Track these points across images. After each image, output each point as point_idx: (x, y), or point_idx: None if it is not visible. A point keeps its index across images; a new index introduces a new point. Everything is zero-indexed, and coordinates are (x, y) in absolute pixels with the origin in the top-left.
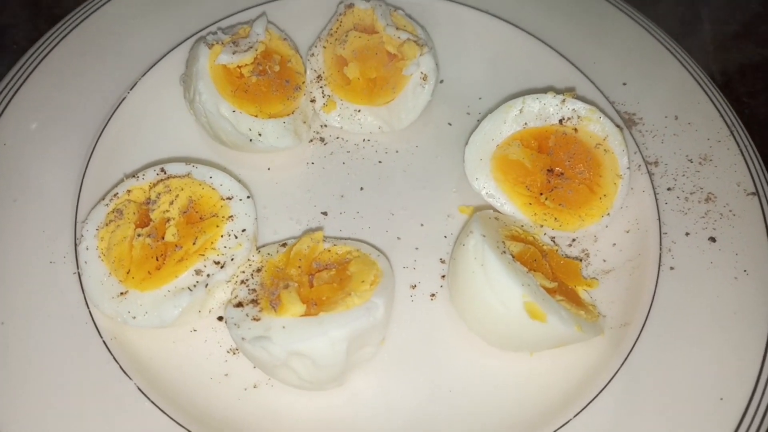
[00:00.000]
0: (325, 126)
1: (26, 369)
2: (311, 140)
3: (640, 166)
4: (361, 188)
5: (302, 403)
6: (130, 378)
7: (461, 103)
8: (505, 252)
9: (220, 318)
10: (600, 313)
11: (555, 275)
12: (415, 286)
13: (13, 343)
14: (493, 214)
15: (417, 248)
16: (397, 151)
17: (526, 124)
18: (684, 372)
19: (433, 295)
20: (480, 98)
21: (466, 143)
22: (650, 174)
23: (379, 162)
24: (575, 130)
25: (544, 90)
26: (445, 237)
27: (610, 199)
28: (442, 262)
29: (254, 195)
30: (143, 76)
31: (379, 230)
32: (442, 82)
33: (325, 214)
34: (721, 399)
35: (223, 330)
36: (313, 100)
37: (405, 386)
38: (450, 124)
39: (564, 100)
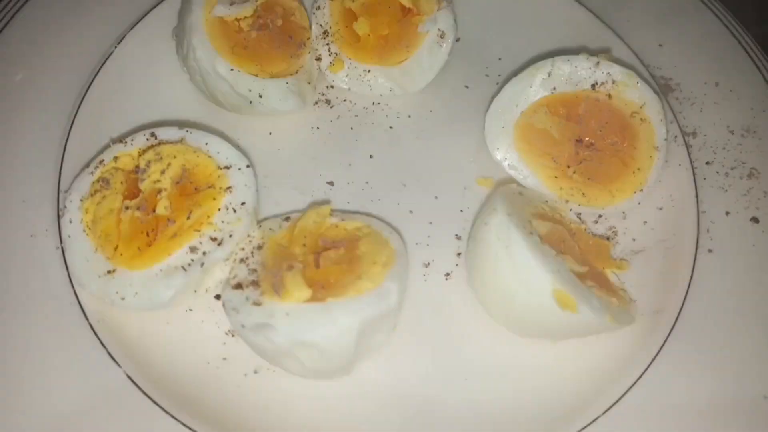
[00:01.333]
0: (332, 87)
1: (4, 354)
2: (316, 102)
3: (676, 137)
4: (371, 156)
5: (307, 391)
6: (119, 365)
7: (480, 65)
8: (532, 233)
9: (218, 296)
10: (631, 298)
11: (584, 257)
12: (429, 264)
13: None
14: (518, 189)
15: (431, 223)
16: (409, 116)
17: (554, 88)
18: (723, 366)
19: (447, 274)
20: (500, 59)
21: (487, 109)
22: (687, 146)
23: (390, 128)
24: (609, 96)
25: (575, 51)
26: (461, 211)
27: (645, 174)
28: (458, 238)
29: (254, 163)
30: (132, 28)
31: (390, 202)
32: (458, 40)
33: (331, 184)
34: (765, 397)
35: (221, 309)
36: (318, 59)
37: (416, 373)
38: (467, 87)
39: (598, 63)
